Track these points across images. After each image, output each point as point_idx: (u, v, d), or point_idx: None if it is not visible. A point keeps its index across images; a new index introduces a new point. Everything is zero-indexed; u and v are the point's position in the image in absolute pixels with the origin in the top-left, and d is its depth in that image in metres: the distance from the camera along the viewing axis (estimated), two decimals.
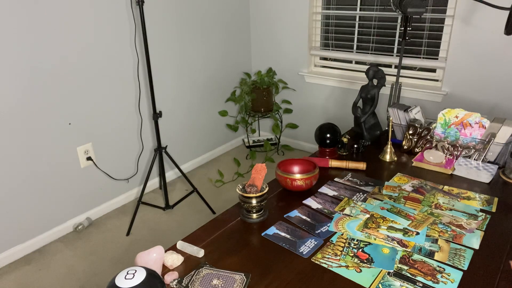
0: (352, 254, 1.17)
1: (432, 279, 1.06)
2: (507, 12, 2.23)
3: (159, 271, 1.09)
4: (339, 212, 1.39)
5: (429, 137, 1.84)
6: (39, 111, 2.13)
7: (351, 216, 1.36)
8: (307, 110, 3.37)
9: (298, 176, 1.45)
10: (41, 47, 2.06)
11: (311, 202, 1.46)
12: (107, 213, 2.62)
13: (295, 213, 1.39)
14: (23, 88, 2.04)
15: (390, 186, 1.56)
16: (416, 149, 1.86)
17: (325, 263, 1.14)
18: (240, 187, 1.33)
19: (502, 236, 1.24)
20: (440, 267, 1.11)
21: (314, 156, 1.84)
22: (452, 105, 2.60)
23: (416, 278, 1.07)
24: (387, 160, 1.79)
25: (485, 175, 1.58)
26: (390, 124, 1.80)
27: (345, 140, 1.85)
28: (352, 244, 1.21)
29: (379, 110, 2.88)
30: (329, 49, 3.14)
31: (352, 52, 3.01)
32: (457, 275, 1.08)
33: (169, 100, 2.86)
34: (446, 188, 1.53)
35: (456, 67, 2.52)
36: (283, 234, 1.28)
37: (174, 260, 1.14)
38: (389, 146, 1.80)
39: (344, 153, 1.87)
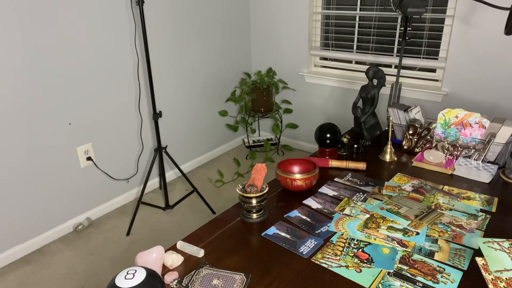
0: (352, 254, 1.17)
1: (432, 279, 1.06)
2: (507, 12, 2.23)
3: (159, 271, 1.09)
4: (339, 212, 1.39)
5: (429, 137, 1.84)
6: (39, 111, 2.13)
7: (351, 216, 1.36)
8: (307, 110, 3.37)
9: (298, 176, 1.45)
10: (41, 47, 2.06)
11: (311, 202, 1.46)
12: (107, 213, 2.62)
13: (295, 213, 1.39)
14: (23, 88, 2.05)
15: (390, 186, 1.56)
16: (416, 149, 1.86)
17: (325, 263, 1.14)
18: (240, 187, 1.33)
19: (502, 236, 1.24)
20: (440, 267, 1.11)
21: (314, 156, 1.84)
22: (452, 105, 2.60)
23: (416, 278, 1.07)
24: (387, 160, 1.79)
25: (485, 175, 1.58)
26: (390, 124, 1.80)
27: (345, 140, 1.85)
28: (352, 244, 1.21)
29: (379, 110, 2.88)
30: (329, 49, 3.14)
31: (352, 52, 3.01)
32: (457, 275, 1.08)
33: (169, 100, 2.86)
34: (446, 188, 1.53)
35: (456, 67, 2.52)
36: (283, 234, 1.28)
37: (174, 260, 1.14)
38: (389, 146, 1.80)
39: (344, 153, 1.87)
